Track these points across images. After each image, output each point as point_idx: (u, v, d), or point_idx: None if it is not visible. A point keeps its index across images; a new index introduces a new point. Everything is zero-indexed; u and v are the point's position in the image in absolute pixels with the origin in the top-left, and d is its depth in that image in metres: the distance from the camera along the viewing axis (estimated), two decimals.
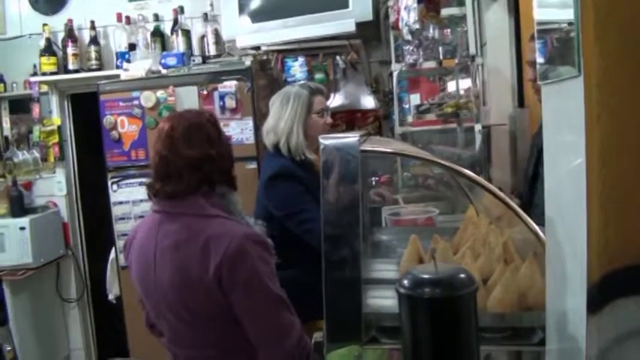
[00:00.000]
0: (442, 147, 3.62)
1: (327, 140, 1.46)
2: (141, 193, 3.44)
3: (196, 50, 4.24)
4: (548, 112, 1.06)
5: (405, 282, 1.02)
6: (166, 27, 4.34)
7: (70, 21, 4.35)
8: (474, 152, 3.38)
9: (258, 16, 3.84)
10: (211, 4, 4.15)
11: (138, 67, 3.86)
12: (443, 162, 1.76)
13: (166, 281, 1.81)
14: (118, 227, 3.78)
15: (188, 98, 3.68)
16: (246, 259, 1.75)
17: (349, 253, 1.39)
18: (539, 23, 1.03)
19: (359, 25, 3.60)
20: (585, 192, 0.86)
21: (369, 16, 3.60)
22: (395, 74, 3.62)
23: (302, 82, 3.64)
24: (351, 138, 1.47)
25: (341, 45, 4.03)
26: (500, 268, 1.46)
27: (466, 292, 1.00)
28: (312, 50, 4.04)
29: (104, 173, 3.82)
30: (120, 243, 3.69)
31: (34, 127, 4.53)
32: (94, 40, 4.35)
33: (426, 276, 1.01)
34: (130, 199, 3.76)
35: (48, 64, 4.32)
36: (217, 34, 4.13)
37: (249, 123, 3.62)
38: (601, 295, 0.86)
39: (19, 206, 4.30)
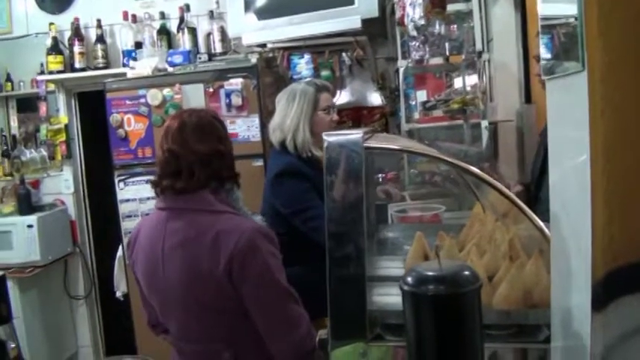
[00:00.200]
0: (449, 143, 3.61)
1: (331, 137, 1.45)
2: (147, 190, 3.44)
3: (202, 48, 4.24)
4: (553, 108, 1.05)
5: (409, 279, 1.02)
6: (172, 25, 4.34)
7: (77, 20, 4.36)
8: (480, 149, 3.37)
9: (263, 13, 3.84)
10: (217, 2, 4.15)
11: (144, 66, 3.86)
12: (448, 159, 1.75)
13: (176, 277, 1.83)
14: (125, 225, 3.78)
15: (194, 96, 3.68)
16: (257, 253, 1.78)
17: (353, 251, 1.39)
18: (544, 18, 1.02)
19: (365, 21, 3.59)
20: (590, 188, 0.85)
21: (374, 12, 3.59)
22: (401, 71, 3.62)
23: (308, 79, 3.64)
24: (354, 135, 1.46)
25: (347, 42, 4.03)
26: (505, 265, 1.45)
27: (470, 290, 0.99)
28: (318, 47, 4.03)
29: (111, 171, 3.83)
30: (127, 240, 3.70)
31: (41, 125, 4.54)
32: (101, 39, 4.36)
33: (429, 273, 1.01)
34: (137, 196, 3.77)
35: (55, 62, 4.33)
36: (223, 32, 4.13)
37: (255, 120, 3.61)
38: (605, 292, 0.85)
39: (26, 204, 4.32)
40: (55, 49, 4.33)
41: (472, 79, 3.50)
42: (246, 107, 3.62)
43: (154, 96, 3.70)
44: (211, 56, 4.05)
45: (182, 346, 1.94)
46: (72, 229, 4.61)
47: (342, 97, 4.24)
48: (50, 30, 4.35)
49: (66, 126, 4.53)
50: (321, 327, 1.48)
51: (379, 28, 4.01)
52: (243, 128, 3.62)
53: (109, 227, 4.17)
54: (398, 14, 3.43)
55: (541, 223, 1.42)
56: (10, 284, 3.90)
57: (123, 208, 3.81)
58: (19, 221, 4.19)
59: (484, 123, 3.31)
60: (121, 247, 3.88)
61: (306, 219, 2.57)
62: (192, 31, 4.21)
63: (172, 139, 1.88)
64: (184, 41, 4.20)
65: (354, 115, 4.17)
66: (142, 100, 3.73)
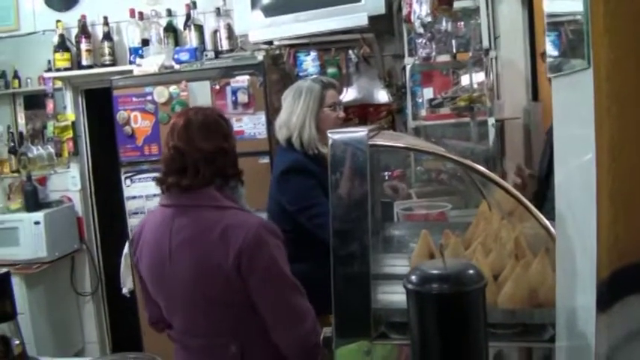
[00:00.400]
0: (455, 141, 3.60)
1: (336, 134, 1.44)
2: (154, 187, 3.40)
3: (209, 45, 4.24)
4: (558, 106, 1.04)
5: (413, 278, 1.01)
6: (179, 22, 4.34)
7: (84, 17, 4.37)
8: (487, 146, 3.36)
9: (270, 10, 3.83)
10: None
11: (151, 63, 3.87)
12: (453, 157, 1.74)
13: (183, 273, 1.85)
14: (132, 221, 3.79)
15: (201, 93, 3.68)
16: (264, 247, 1.82)
17: (358, 248, 1.38)
18: (549, 15, 1.02)
19: (371, 18, 3.58)
20: (595, 187, 0.85)
21: (381, 9, 3.58)
22: (408, 68, 3.61)
23: (314, 76, 3.63)
24: (359, 132, 1.45)
25: (353, 39, 4.02)
26: (511, 264, 1.44)
27: (474, 288, 0.98)
28: (324, 44, 4.03)
29: (118, 168, 3.84)
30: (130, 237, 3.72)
31: (48, 122, 4.57)
32: (107, 36, 4.37)
33: (434, 272, 1.00)
34: (144, 193, 3.78)
35: (62, 59, 4.35)
36: (230, 29, 4.13)
37: (261, 118, 3.61)
38: (610, 292, 0.84)
39: (33, 201, 4.34)
40: (62, 46, 4.35)
41: (479, 77, 3.49)
42: (253, 104, 3.62)
43: (160, 93, 3.71)
44: (218, 53, 4.05)
45: (188, 341, 1.96)
46: (79, 226, 4.63)
47: (349, 95, 4.24)
48: (57, 27, 4.37)
49: (73, 123, 4.55)
50: (326, 324, 1.47)
51: (386, 25, 4.00)
52: (250, 126, 3.62)
53: (116, 224, 4.18)
54: (404, 11, 3.42)
55: (547, 222, 1.41)
56: (16, 280, 3.96)
57: (129, 205, 3.83)
58: (26, 218, 4.21)
59: (491, 120, 3.30)
60: (127, 244, 3.89)
61: (311, 216, 2.58)
62: (199, 29, 4.21)
63: (178, 136, 1.89)
64: (191, 38, 4.20)
65: (361, 112, 4.17)
66: (149, 98, 3.74)
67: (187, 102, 3.65)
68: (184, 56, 3.91)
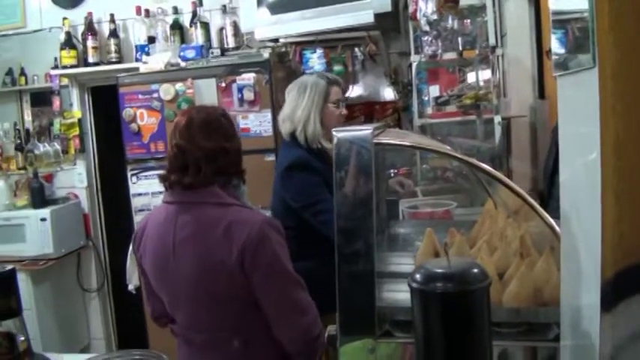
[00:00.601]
0: (461, 139, 3.59)
1: (341, 133, 1.44)
2: (160, 185, 3.46)
3: (215, 43, 4.24)
4: (564, 104, 1.04)
5: (418, 276, 1.01)
6: (185, 20, 4.34)
7: (90, 14, 4.38)
8: (493, 144, 3.35)
9: (276, 7, 3.83)
10: None
11: (157, 60, 3.88)
12: (458, 155, 1.74)
13: (187, 269, 1.87)
14: (138, 218, 3.80)
15: (207, 91, 3.69)
16: (267, 243, 1.83)
17: (363, 247, 1.38)
18: (555, 13, 1.01)
19: (377, 16, 3.57)
20: (600, 186, 0.84)
21: (387, 7, 3.57)
22: (414, 65, 3.60)
23: (312, 72, 3.63)
24: (364, 130, 1.45)
25: (359, 36, 4.01)
26: (516, 263, 1.44)
27: (479, 287, 0.98)
28: (330, 42, 4.03)
29: (124, 165, 3.85)
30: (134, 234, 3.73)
31: (54, 119, 4.58)
32: (114, 34, 4.37)
33: (438, 270, 1.00)
34: (150, 190, 3.78)
35: (68, 57, 4.36)
36: (236, 27, 4.13)
37: (267, 115, 3.61)
38: (615, 292, 0.84)
39: (40, 198, 4.35)
40: (68, 43, 4.36)
41: (485, 74, 3.48)
42: (259, 102, 3.62)
43: (166, 90, 3.71)
44: (224, 51, 4.05)
45: (191, 336, 1.98)
46: (85, 223, 4.65)
47: (355, 92, 4.24)
48: (64, 25, 4.37)
49: (79, 120, 4.56)
50: (330, 322, 1.47)
51: (392, 23, 3.99)
52: (255, 123, 3.62)
53: (122, 221, 4.19)
54: (410, 9, 3.41)
55: (552, 221, 1.41)
56: (23, 277, 3.97)
57: (135, 202, 3.84)
58: (33, 214, 4.23)
59: (497, 118, 3.29)
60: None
61: (315, 213, 2.57)
62: (205, 26, 4.21)
63: (180, 134, 1.92)
64: (197, 36, 4.20)
65: (367, 110, 4.17)
66: (155, 95, 3.74)
67: (193, 99, 3.65)
68: (190, 54, 3.91)
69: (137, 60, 4.23)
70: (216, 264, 1.83)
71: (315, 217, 2.58)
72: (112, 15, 4.36)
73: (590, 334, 0.92)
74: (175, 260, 1.89)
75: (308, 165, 2.66)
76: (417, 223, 2.47)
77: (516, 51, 3.54)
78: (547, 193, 2.68)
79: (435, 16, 2.86)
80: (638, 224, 0.83)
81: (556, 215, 1.27)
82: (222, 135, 1.94)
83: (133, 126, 3.77)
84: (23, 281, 3.97)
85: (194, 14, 4.25)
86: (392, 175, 3.54)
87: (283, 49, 4.08)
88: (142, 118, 3.77)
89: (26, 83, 4.60)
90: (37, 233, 4.17)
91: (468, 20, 3.41)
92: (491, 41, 3.35)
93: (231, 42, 4.15)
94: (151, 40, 4.27)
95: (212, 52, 3.97)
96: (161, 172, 2.00)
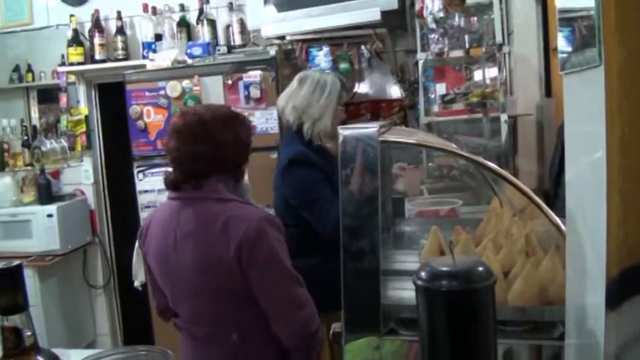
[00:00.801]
0: (468, 137, 3.59)
1: (347, 130, 1.44)
2: None
3: (222, 40, 4.25)
4: (570, 103, 1.03)
5: (423, 274, 1.01)
6: (192, 17, 4.35)
7: (97, 11, 4.39)
8: (500, 143, 3.35)
9: (283, 5, 3.83)
10: None
11: (164, 57, 3.88)
12: (464, 153, 1.74)
13: (188, 264, 1.89)
14: (144, 215, 3.81)
15: (213, 88, 3.69)
16: (264, 239, 1.85)
17: (368, 245, 1.38)
18: (561, 11, 1.01)
19: (384, 13, 3.56)
20: (605, 185, 0.84)
21: (394, 4, 3.56)
22: (420, 63, 3.59)
23: (328, 70, 3.61)
24: (370, 128, 1.45)
25: (366, 34, 4.01)
26: (521, 261, 1.44)
27: (484, 285, 0.98)
28: (336, 39, 4.03)
29: (130, 162, 3.86)
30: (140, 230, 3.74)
31: (61, 116, 4.59)
32: (121, 31, 4.38)
33: (443, 268, 1.00)
34: (156, 187, 3.79)
35: (75, 54, 4.37)
36: (242, 24, 4.13)
37: (273, 113, 3.60)
38: (620, 290, 0.84)
39: (46, 194, 4.37)
40: (75, 40, 4.37)
41: (492, 72, 3.48)
42: (265, 99, 3.62)
43: (173, 88, 3.72)
44: (230, 48, 4.06)
45: (193, 330, 2.00)
46: (91, 219, 4.67)
47: (361, 90, 4.24)
48: (71, 22, 4.39)
49: (86, 117, 4.58)
50: (333, 320, 1.48)
51: (398, 20, 3.98)
52: (262, 120, 3.62)
53: (128, 217, 4.20)
54: (417, 6, 3.40)
55: (557, 220, 1.41)
56: (29, 273, 3.99)
57: (142, 199, 3.85)
58: (39, 210, 4.25)
59: (503, 117, 3.28)
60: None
61: (313, 211, 2.56)
62: (212, 23, 4.22)
63: (174, 135, 1.95)
64: (204, 33, 4.21)
65: (373, 107, 4.17)
66: (162, 92, 3.75)
67: (200, 97, 3.66)
68: (197, 51, 3.92)
69: (144, 57, 4.25)
70: (215, 260, 1.85)
71: (312, 215, 2.57)
72: (118, 12, 4.38)
73: (595, 332, 0.91)
74: (176, 255, 1.92)
75: (308, 160, 2.64)
76: (423, 221, 2.46)
77: (523, 49, 3.53)
78: (553, 193, 2.68)
79: (441, 14, 2.85)
80: None
81: (562, 215, 1.27)
82: (212, 137, 1.94)
83: (140, 123, 3.78)
84: (30, 277, 3.99)
85: (201, 11, 4.26)
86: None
87: (290, 47, 4.08)
88: (149, 115, 3.78)
89: (33, 80, 4.62)
90: (43, 229, 4.19)
91: (475, 18, 3.40)
92: (498, 39, 3.34)
93: (237, 39, 4.16)
94: (158, 37, 4.28)
95: (219, 50, 3.97)
96: (169, 169, 2.03)
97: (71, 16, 4.41)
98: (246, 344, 1.91)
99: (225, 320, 1.92)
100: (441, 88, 3.77)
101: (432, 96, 3.77)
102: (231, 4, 4.19)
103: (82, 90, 4.59)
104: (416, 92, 3.87)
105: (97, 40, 4.36)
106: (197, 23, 4.29)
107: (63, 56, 4.45)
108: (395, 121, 3.94)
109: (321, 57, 3.99)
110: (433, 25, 3.14)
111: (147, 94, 3.77)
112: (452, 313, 0.98)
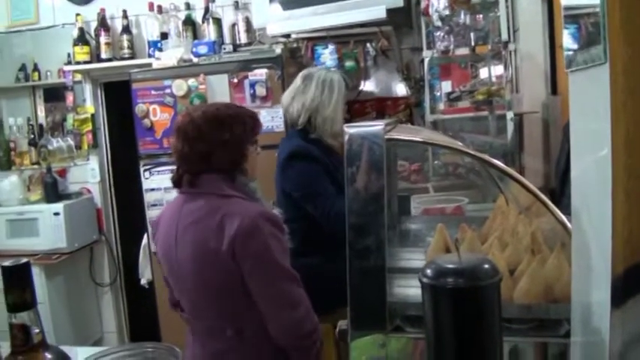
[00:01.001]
0: (473, 135, 3.58)
1: (352, 128, 1.45)
2: None
3: (227, 38, 4.25)
4: (575, 101, 1.03)
5: (428, 271, 1.01)
6: (197, 15, 4.35)
7: (103, 10, 4.40)
8: (505, 141, 3.34)
9: (288, 3, 3.83)
10: None
11: (169, 56, 3.89)
12: (470, 151, 1.74)
13: (187, 257, 1.93)
14: (150, 213, 3.82)
15: (219, 86, 3.69)
16: (258, 234, 1.86)
17: (374, 242, 1.39)
18: (566, 8, 1.01)
19: (389, 11, 3.56)
20: (611, 183, 0.84)
21: (399, 2, 3.55)
22: (426, 61, 3.59)
23: (333, 69, 3.61)
24: (376, 126, 1.45)
25: (371, 32, 4.01)
26: (527, 259, 1.44)
27: (489, 283, 0.98)
28: (342, 37, 4.03)
29: (136, 161, 3.87)
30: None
31: (67, 115, 4.60)
32: (127, 30, 4.39)
33: (449, 266, 1.00)
34: (162, 186, 3.79)
35: (81, 53, 4.38)
36: (248, 22, 4.14)
37: (279, 111, 3.60)
38: (625, 288, 0.84)
39: (53, 192, 4.39)
40: (81, 39, 4.38)
41: (498, 70, 3.47)
42: (271, 98, 3.63)
43: (179, 86, 3.72)
44: (236, 47, 4.07)
45: (194, 323, 2.04)
46: (98, 217, 4.68)
47: (367, 88, 4.23)
48: (77, 21, 4.40)
49: (92, 116, 4.59)
50: (338, 318, 1.48)
51: (404, 18, 3.98)
52: (267, 119, 3.62)
53: (135, 216, 4.21)
54: (423, 4, 3.40)
55: (563, 217, 1.41)
56: (36, 271, 4.00)
57: (148, 197, 3.85)
58: (46, 209, 4.27)
59: (509, 114, 3.28)
60: (146, 236, 3.92)
61: (316, 205, 2.57)
62: (217, 22, 4.23)
63: (177, 134, 1.99)
64: (209, 32, 4.21)
65: (379, 105, 4.16)
66: (168, 91, 3.75)
67: (205, 95, 3.66)
68: (203, 49, 3.92)
69: (150, 56, 4.26)
70: (210, 254, 1.87)
71: (316, 209, 2.57)
72: (124, 11, 4.38)
73: (600, 330, 0.92)
74: (177, 248, 1.95)
75: (308, 154, 2.64)
76: (429, 218, 2.46)
77: (529, 46, 3.52)
78: (559, 191, 2.67)
79: (447, 12, 2.85)
80: None
81: (568, 213, 1.27)
82: (214, 136, 1.97)
83: (146, 121, 3.78)
84: (37, 275, 4.00)
85: (206, 10, 4.26)
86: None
87: (295, 45, 4.08)
88: (155, 114, 3.78)
89: (39, 79, 4.64)
90: (50, 228, 4.21)
91: (481, 15, 3.39)
92: (504, 36, 3.33)
93: (243, 38, 4.16)
94: (164, 36, 4.29)
95: (224, 48, 3.97)
96: (175, 167, 2.05)
97: (77, 15, 4.41)
98: (244, 340, 1.92)
99: (222, 314, 1.94)
100: (446, 86, 3.76)
101: (438, 94, 3.76)
102: (236, 2, 4.19)
103: (88, 89, 4.60)
104: (421, 90, 3.87)
105: (102, 39, 4.37)
106: (203, 22, 4.29)
107: (69, 55, 4.47)
108: (400, 119, 3.94)
109: (327, 55, 3.99)
110: (439, 23, 3.14)
111: (153, 92, 3.78)
112: (458, 310, 0.98)
